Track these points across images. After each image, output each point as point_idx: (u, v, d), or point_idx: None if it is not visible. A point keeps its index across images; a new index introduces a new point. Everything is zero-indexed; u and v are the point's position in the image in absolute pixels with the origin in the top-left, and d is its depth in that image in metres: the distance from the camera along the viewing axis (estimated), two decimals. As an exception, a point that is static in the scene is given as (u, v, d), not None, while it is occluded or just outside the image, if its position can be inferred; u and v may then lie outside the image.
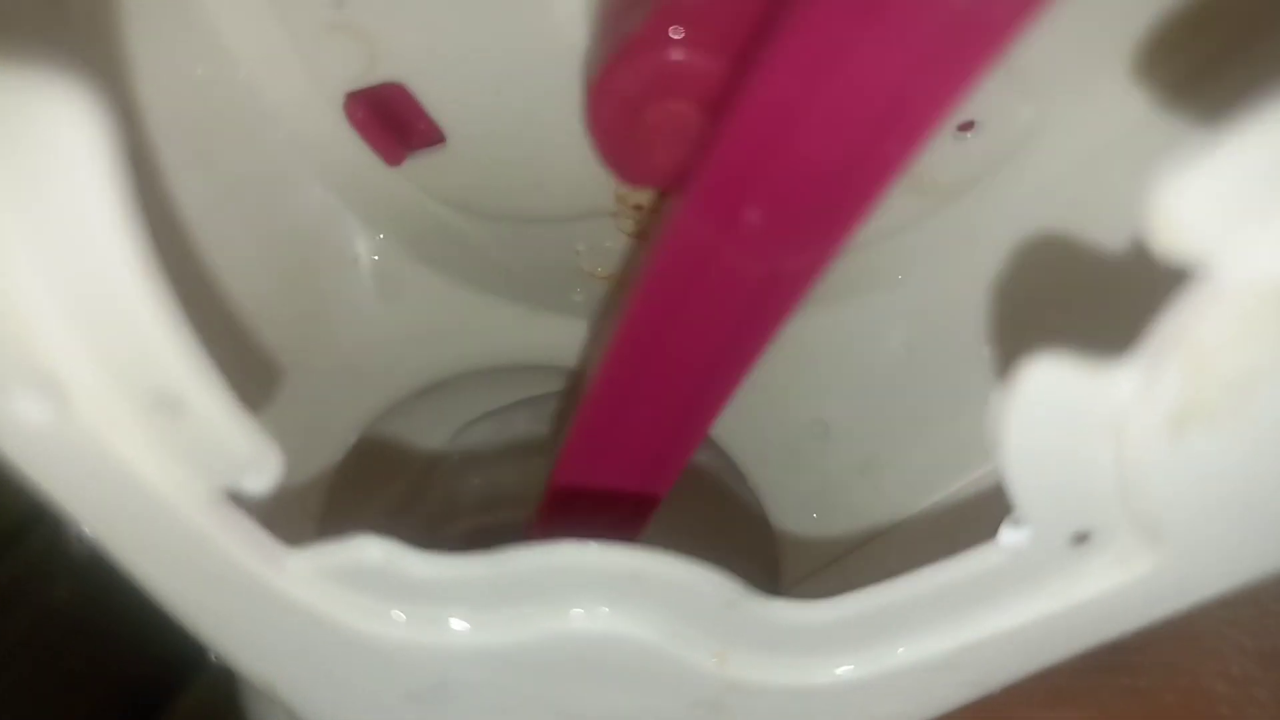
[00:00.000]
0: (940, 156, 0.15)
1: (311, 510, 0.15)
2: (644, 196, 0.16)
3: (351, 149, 0.15)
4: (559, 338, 0.18)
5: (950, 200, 0.15)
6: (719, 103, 0.12)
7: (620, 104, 0.13)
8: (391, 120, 0.15)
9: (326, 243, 0.15)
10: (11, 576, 0.26)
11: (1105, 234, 0.13)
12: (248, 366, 0.14)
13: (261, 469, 0.10)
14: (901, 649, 0.12)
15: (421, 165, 0.15)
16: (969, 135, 0.15)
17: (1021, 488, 0.10)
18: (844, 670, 0.13)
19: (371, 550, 0.12)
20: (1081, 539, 0.11)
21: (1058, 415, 0.10)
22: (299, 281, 0.15)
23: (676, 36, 0.12)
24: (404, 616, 0.12)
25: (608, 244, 0.17)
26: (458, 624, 0.12)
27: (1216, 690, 0.13)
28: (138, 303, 0.08)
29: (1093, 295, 0.13)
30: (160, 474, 0.10)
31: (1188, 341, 0.09)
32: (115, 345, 0.09)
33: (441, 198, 0.16)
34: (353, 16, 0.13)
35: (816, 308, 0.15)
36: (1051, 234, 0.14)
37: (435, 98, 0.14)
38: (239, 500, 0.11)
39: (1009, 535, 0.11)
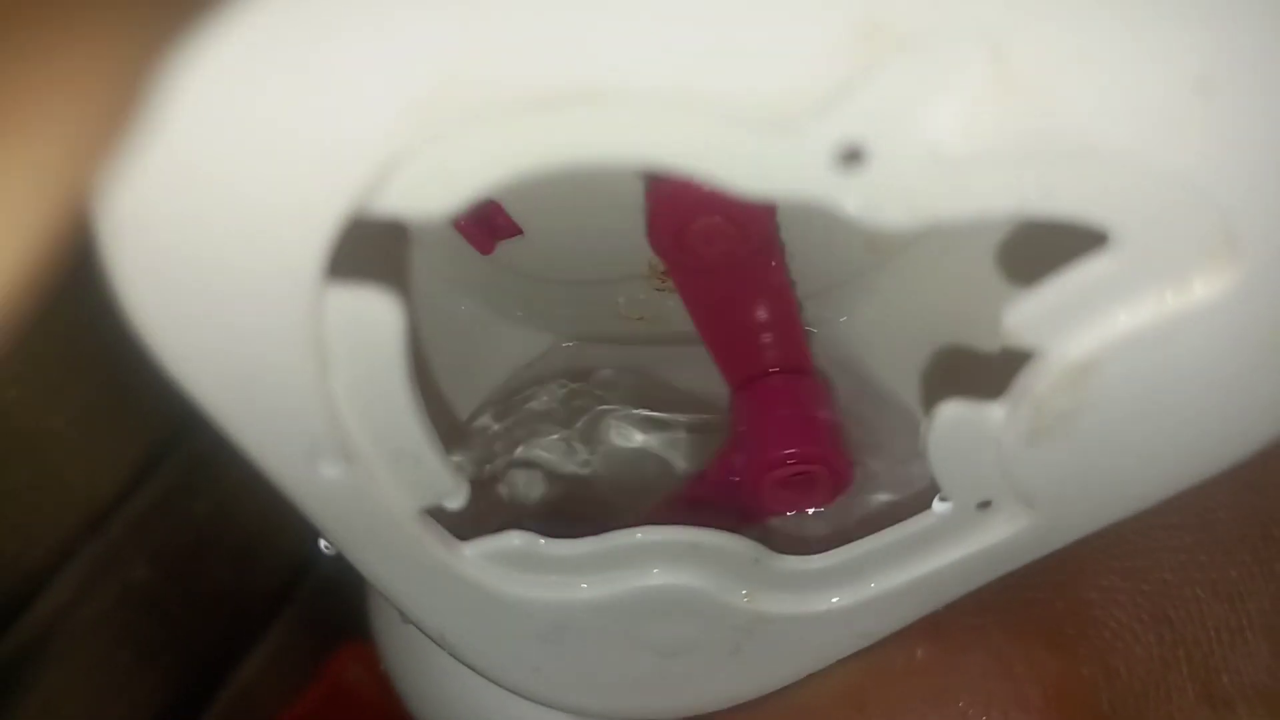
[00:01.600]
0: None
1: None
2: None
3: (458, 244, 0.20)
4: (601, 359, 0.24)
5: (890, 258, 0.21)
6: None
7: (674, 216, 0.18)
8: (484, 222, 0.20)
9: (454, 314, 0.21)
10: (97, 558, 0.28)
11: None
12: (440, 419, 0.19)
13: (457, 495, 0.16)
14: (873, 583, 0.18)
15: (505, 249, 0.21)
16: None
17: (943, 477, 0.16)
18: (835, 600, 0.19)
19: (515, 539, 0.17)
20: (985, 505, 0.17)
21: (961, 433, 0.15)
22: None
23: None
24: (538, 582, 0.18)
25: (641, 296, 0.22)
26: (574, 585, 0.18)
27: (1090, 597, 0.19)
28: (401, 401, 0.14)
29: (982, 358, 0.19)
30: (396, 501, 0.16)
31: (1034, 392, 0.14)
32: (384, 425, 0.14)
33: (521, 272, 0.21)
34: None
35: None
36: (955, 308, 0.20)
37: (517, 207, 0.20)
38: (435, 512, 0.16)
39: (938, 506, 0.17)
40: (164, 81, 0.10)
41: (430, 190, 0.11)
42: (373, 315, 0.13)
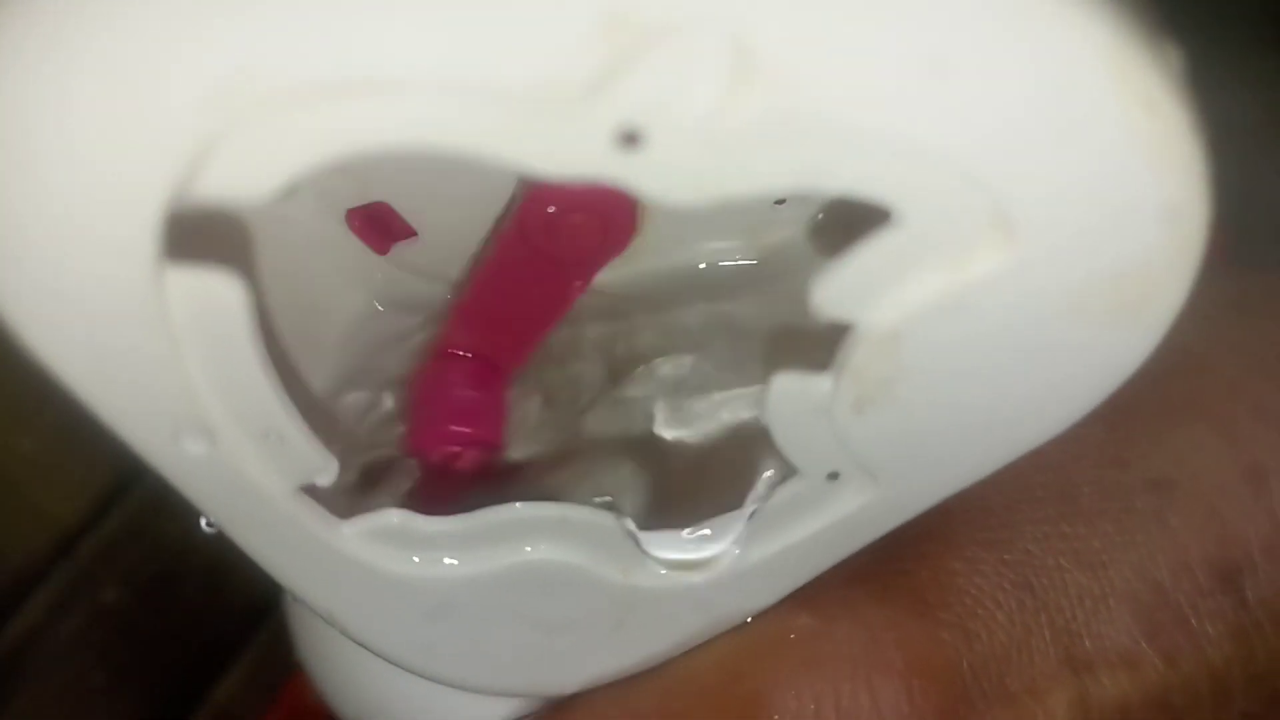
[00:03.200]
0: (765, 221, 0.22)
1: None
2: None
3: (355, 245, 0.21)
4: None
5: (773, 253, 0.22)
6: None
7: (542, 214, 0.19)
8: (377, 223, 0.21)
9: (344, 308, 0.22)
10: (67, 581, 0.29)
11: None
12: (309, 403, 0.20)
13: (327, 472, 0.17)
14: (740, 554, 0.19)
15: (400, 250, 0.22)
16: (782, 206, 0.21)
17: (787, 449, 0.17)
18: (703, 573, 0.19)
19: (393, 517, 0.18)
20: (834, 477, 0.18)
21: (796, 405, 0.16)
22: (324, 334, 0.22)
23: None
24: (417, 559, 0.19)
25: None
26: (450, 561, 0.19)
27: (954, 566, 0.20)
28: (257, 380, 0.15)
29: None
30: (266, 479, 0.17)
31: (852, 362, 0.15)
32: (243, 404, 0.15)
33: (415, 270, 0.22)
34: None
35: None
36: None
37: (410, 210, 0.21)
38: (311, 491, 0.17)
39: (793, 481, 0.18)
40: None
41: (244, 175, 0.12)
42: (217, 295, 0.14)
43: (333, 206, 0.21)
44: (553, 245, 0.19)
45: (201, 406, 0.15)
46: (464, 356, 0.21)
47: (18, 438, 0.28)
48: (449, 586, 0.19)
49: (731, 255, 0.22)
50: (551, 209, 0.20)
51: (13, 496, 0.29)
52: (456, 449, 0.21)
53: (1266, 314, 0.23)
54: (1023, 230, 0.13)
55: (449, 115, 0.11)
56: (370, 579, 0.19)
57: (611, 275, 0.21)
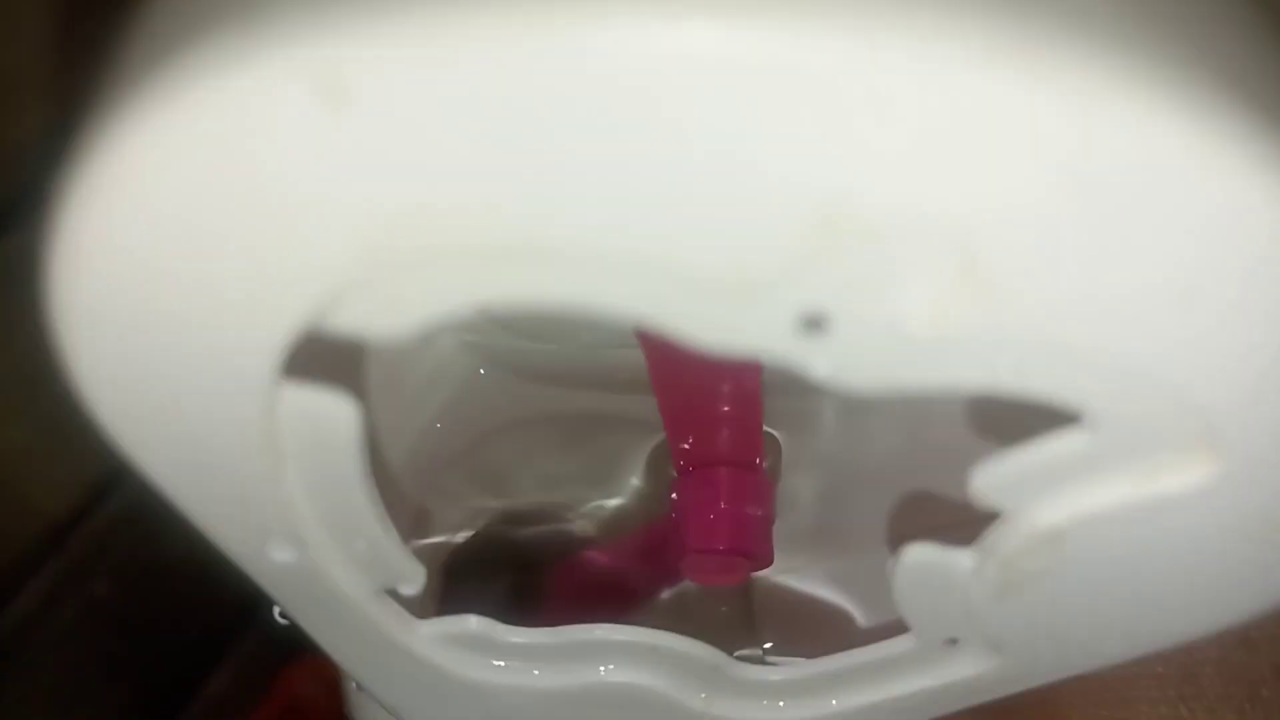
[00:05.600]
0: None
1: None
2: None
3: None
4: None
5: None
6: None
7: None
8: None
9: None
10: (58, 574, 0.28)
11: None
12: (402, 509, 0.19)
13: (414, 580, 0.16)
14: (833, 701, 0.18)
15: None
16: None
17: (909, 614, 0.16)
18: (793, 713, 0.18)
19: (472, 623, 0.17)
20: (951, 643, 0.16)
21: (928, 576, 0.15)
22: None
23: None
24: (496, 665, 0.18)
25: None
26: (529, 672, 0.18)
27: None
28: (356, 495, 0.14)
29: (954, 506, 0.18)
30: (350, 584, 0.15)
31: (1002, 550, 0.14)
32: (338, 516, 0.14)
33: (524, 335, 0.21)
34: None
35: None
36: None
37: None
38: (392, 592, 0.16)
39: (905, 638, 0.17)
40: (109, 155, 0.09)
41: (384, 317, 0.11)
42: (328, 415, 0.13)
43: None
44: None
45: (295, 518, 0.14)
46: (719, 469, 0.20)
47: (8, 429, 0.27)
48: (520, 696, 0.18)
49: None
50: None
51: (2, 488, 0.28)
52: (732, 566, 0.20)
53: None
54: (1228, 447, 0.12)
55: (621, 287, 0.10)
56: (441, 680, 0.18)
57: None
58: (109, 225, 0.10)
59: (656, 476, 0.22)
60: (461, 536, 0.22)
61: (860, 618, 0.20)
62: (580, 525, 0.22)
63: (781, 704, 0.18)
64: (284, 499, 0.14)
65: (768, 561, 0.20)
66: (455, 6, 0.08)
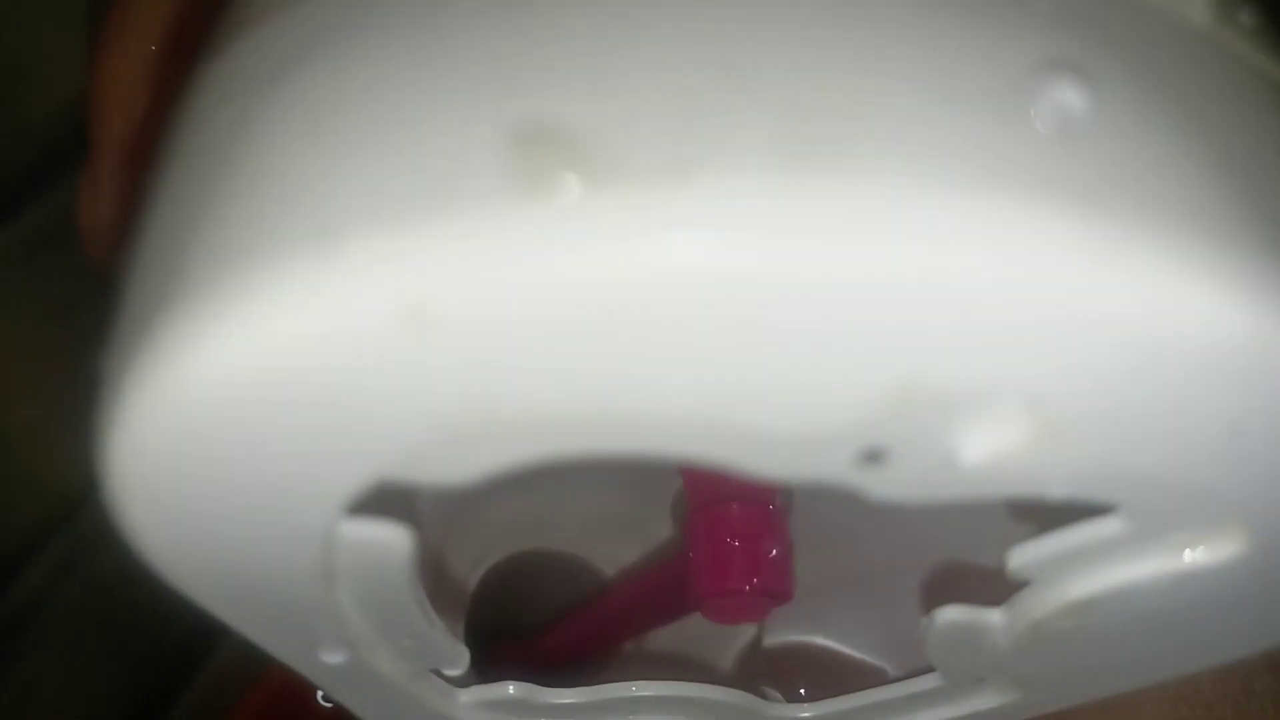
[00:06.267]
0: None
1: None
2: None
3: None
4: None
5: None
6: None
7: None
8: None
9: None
10: (63, 552, 0.28)
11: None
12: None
13: (459, 662, 0.16)
14: (862, 735, 0.19)
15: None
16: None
17: (940, 664, 0.17)
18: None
19: (510, 689, 0.18)
20: (980, 681, 0.17)
21: (960, 633, 0.16)
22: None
23: None
24: (534, 728, 0.18)
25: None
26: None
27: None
28: (408, 605, 0.14)
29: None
30: (397, 673, 0.16)
31: (1033, 615, 0.15)
32: (389, 623, 0.14)
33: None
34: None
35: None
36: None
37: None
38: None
39: (934, 676, 0.17)
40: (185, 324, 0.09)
41: (448, 473, 0.11)
42: (385, 545, 0.13)
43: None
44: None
45: (345, 627, 0.14)
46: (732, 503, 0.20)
47: (17, 405, 0.27)
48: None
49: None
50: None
51: (12, 464, 0.28)
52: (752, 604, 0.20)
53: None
54: (1262, 528, 0.12)
55: (689, 445, 0.10)
56: (481, 741, 0.18)
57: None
58: (181, 414, 0.10)
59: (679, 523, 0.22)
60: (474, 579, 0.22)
61: (863, 657, 0.21)
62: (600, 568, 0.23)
63: (811, 742, 0.19)
64: (335, 614, 0.14)
65: (788, 596, 0.20)
66: (543, 236, 0.08)
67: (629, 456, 0.11)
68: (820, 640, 0.22)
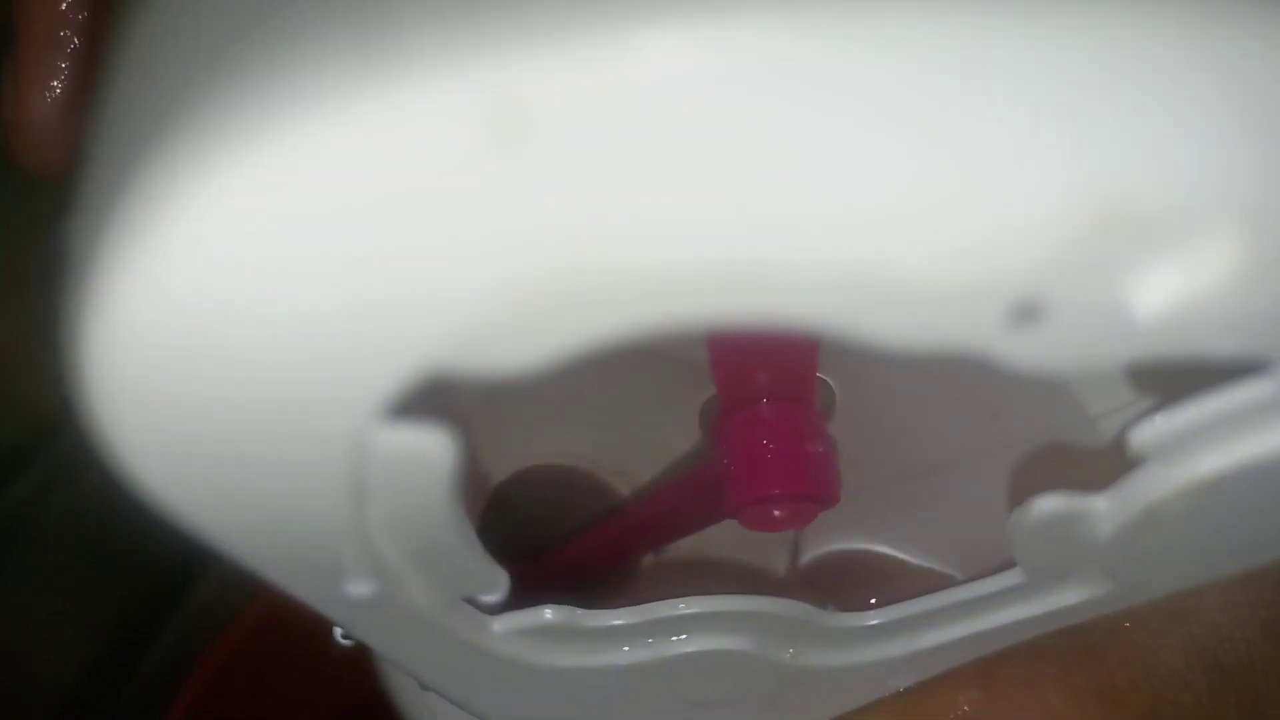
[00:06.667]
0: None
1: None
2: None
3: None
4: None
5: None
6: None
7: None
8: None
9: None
10: (47, 467, 0.28)
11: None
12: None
13: (497, 586, 0.14)
14: (932, 635, 0.17)
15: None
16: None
17: (1025, 561, 0.15)
18: (885, 654, 0.17)
19: (548, 614, 0.16)
20: (1061, 576, 0.16)
21: (1057, 526, 0.14)
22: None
23: None
24: (572, 651, 0.16)
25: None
26: (610, 652, 0.16)
27: (1141, 641, 0.19)
28: (445, 524, 0.12)
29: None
30: (428, 601, 0.14)
31: (1147, 499, 0.13)
32: (424, 545, 0.13)
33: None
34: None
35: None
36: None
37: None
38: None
39: (1013, 574, 0.16)
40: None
41: (516, 353, 0.09)
42: (425, 453, 0.11)
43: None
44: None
45: (375, 553, 0.12)
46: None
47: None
48: (602, 674, 0.17)
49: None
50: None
51: None
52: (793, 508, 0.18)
53: None
54: None
55: (817, 302, 0.08)
56: (515, 671, 0.16)
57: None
58: (177, 288, 0.08)
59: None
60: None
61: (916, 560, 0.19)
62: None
63: (872, 646, 0.17)
64: (363, 537, 0.12)
65: (834, 500, 0.18)
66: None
67: (719, 330, 0.09)
68: (869, 546, 0.20)
